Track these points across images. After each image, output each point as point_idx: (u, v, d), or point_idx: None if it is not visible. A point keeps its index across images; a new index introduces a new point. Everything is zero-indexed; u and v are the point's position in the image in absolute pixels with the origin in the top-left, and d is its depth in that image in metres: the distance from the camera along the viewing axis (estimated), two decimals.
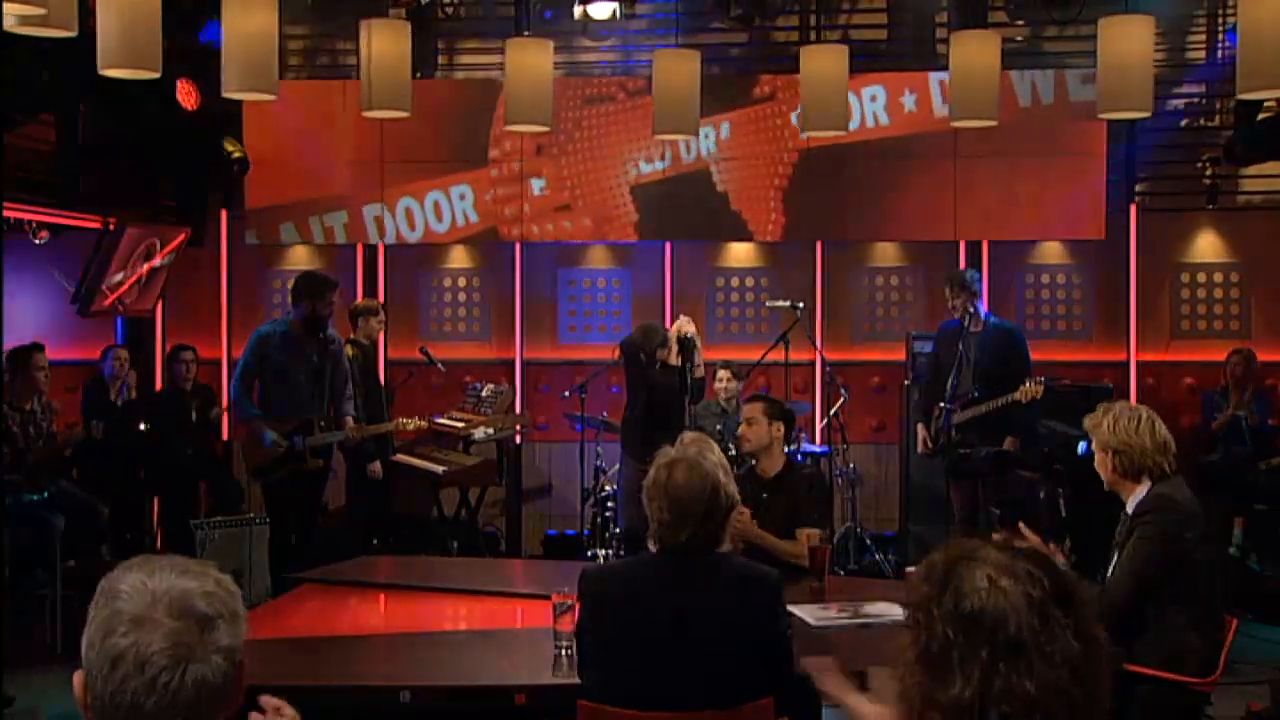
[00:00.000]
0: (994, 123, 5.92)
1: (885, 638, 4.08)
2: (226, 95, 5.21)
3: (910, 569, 4.80)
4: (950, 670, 1.82)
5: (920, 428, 8.19)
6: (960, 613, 1.83)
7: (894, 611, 4.40)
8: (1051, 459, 7.95)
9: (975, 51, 5.72)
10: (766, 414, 5.52)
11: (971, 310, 7.91)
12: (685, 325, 7.70)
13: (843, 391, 8.65)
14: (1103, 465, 4.32)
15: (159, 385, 9.63)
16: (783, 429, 5.53)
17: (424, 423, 8.03)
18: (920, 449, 8.23)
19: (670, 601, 3.34)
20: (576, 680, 3.45)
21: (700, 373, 7.95)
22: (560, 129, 9.29)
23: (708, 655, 3.29)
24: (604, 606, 3.39)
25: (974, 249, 9.47)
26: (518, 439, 9.52)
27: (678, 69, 6.14)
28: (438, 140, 9.41)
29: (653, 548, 3.50)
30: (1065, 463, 7.78)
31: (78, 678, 1.81)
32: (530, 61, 6.07)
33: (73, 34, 4.25)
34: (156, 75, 4.74)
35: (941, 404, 7.79)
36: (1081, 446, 7.14)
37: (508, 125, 6.28)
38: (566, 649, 3.77)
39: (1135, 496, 4.25)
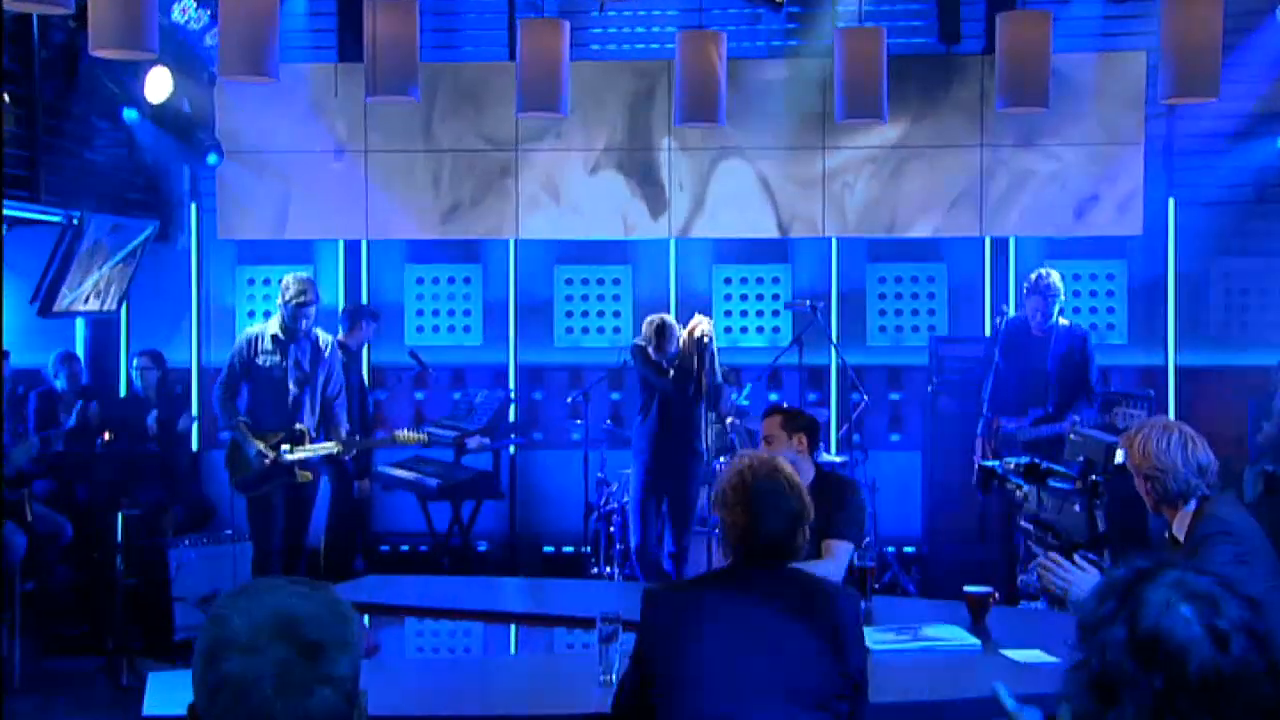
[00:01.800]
0: (1044, 109, 5.93)
1: (955, 664, 4.10)
2: (225, 78, 5.17)
3: (968, 589, 4.80)
4: (1119, 700, 1.80)
5: (980, 442, 8.25)
6: (1133, 638, 1.80)
7: (956, 635, 4.39)
8: (1088, 469, 7.95)
9: (1025, 33, 5.72)
10: (785, 427, 5.38)
11: (1042, 314, 8.03)
12: (702, 324, 7.70)
13: (863, 397, 8.62)
14: (1140, 488, 4.29)
15: (123, 392, 9.54)
16: (805, 439, 5.38)
17: (423, 436, 7.96)
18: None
19: (752, 617, 3.30)
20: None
21: (719, 379, 7.94)
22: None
23: (794, 675, 3.24)
24: (677, 628, 3.31)
25: (1000, 245, 9.49)
26: (513, 449, 9.47)
27: (703, 51, 6.11)
28: (425, 128, 9.33)
29: (726, 559, 3.46)
30: (1103, 473, 7.77)
31: (191, 706, 1.84)
32: (543, 44, 6.04)
33: (69, 12, 4.22)
34: (153, 57, 4.71)
35: (990, 414, 7.86)
36: (1120, 455, 7.14)
37: (520, 113, 6.24)
38: (613, 676, 3.73)
39: (1181, 520, 4.19)
